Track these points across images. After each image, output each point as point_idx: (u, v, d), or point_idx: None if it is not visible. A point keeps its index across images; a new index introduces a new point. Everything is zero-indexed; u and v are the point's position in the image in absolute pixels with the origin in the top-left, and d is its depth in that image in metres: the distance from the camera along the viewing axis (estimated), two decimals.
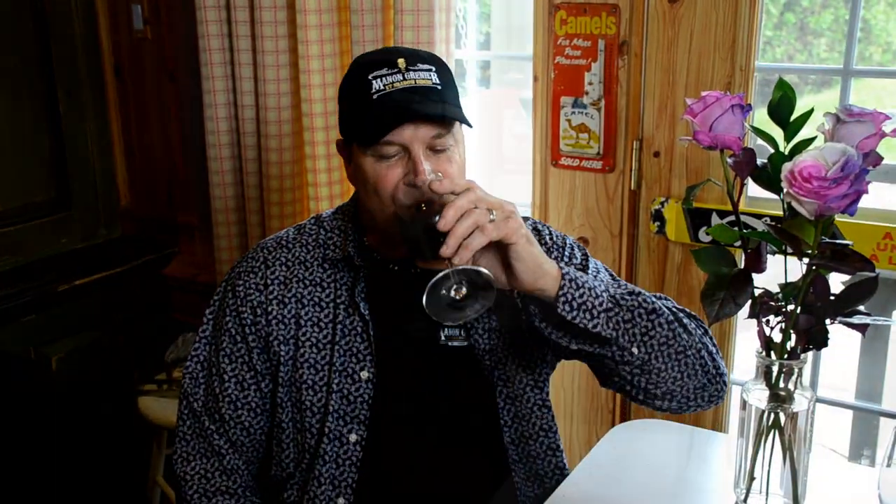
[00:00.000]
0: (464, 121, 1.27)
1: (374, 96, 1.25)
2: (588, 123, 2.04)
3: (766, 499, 1.24)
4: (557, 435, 1.46)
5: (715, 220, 1.92)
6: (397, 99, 1.24)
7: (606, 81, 2.00)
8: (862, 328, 1.17)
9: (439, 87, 1.26)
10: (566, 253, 1.44)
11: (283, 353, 1.36)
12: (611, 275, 1.46)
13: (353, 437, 1.35)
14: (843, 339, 1.26)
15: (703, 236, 1.95)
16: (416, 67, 1.27)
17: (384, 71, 1.25)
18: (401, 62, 1.26)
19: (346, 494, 1.35)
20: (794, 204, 1.06)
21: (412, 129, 1.21)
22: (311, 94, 2.15)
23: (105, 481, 2.42)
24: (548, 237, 1.45)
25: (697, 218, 1.95)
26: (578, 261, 1.44)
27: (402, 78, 1.25)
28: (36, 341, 2.29)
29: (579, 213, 2.11)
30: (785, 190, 1.07)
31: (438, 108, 1.23)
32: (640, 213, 2.04)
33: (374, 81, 1.25)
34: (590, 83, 2.02)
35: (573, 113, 2.05)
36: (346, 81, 1.33)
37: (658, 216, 2.00)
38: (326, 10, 2.12)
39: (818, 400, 1.50)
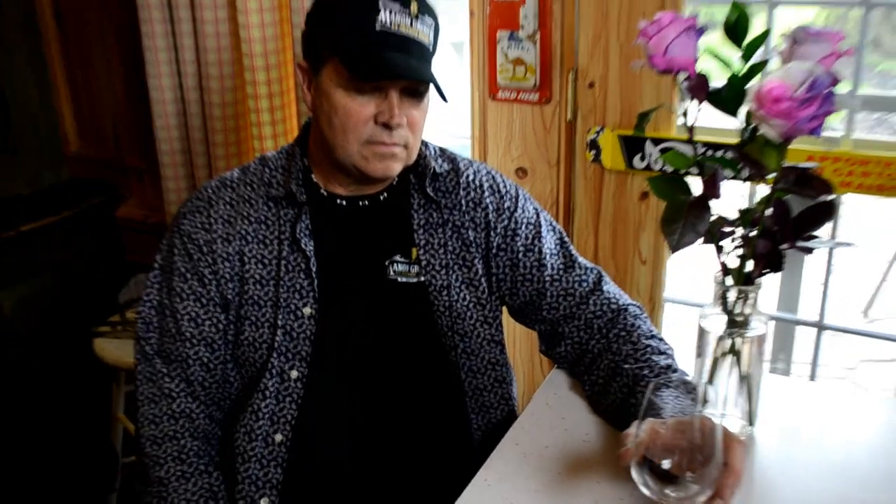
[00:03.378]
0: (443, 96, 1.14)
1: (378, 28, 1.09)
2: (524, 57, 1.85)
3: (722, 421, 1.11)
4: (506, 368, 1.32)
5: (649, 147, 1.76)
6: (399, 47, 1.10)
7: (541, 15, 1.80)
8: (809, 250, 1.03)
9: (431, 50, 1.16)
10: (519, 205, 1.29)
11: (229, 290, 1.18)
12: (560, 239, 1.32)
13: (294, 374, 1.19)
14: None
15: (637, 163, 1.79)
16: (423, 19, 1.12)
17: (396, 6, 1.09)
18: (413, 7, 1.11)
19: (285, 430, 1.19)
20: (761, 126, 0.90)
21: (401, 80, 1.11)
22: (251, 33, 1.91)
23: (67, 421, 2.22)
24: (502, 187, 1.31)
25: (631, 146, 1.79)
26: (529, 214, 1.29)
27: (409, 24, 1.10)
28: None
29: (517, 144, 1.93)
30: (753, 111, 0.91)
31: (429, 73, 1.13)
32: (576, 143, 1.88)
33: (383, 11, 1.09)
34: (524, 17, 1.82)
35: (509, 47, 1.85)
36: None
37: (593, 145, 1.83)
38: None
39: None
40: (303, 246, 1.19)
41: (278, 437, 1.20)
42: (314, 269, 1.19)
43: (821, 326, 1.83)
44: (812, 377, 1.92)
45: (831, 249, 1.70)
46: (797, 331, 2.03)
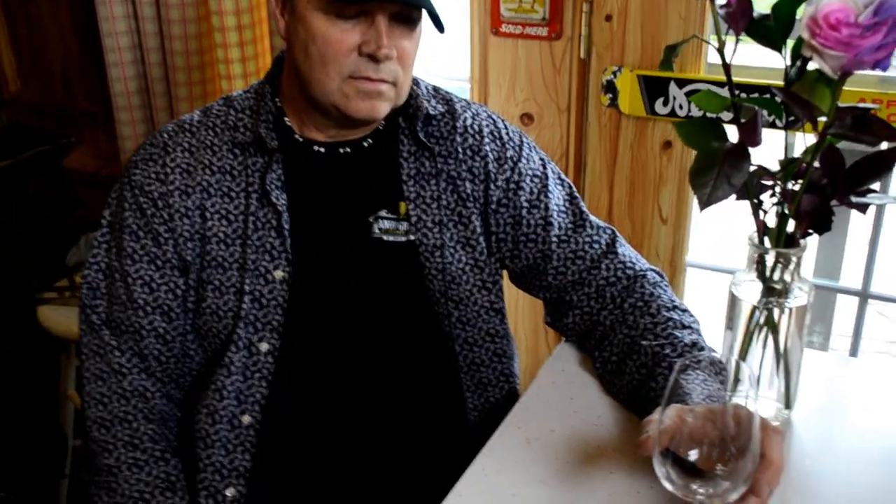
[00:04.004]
0: (439, 24, 1.10)
1: None
2: None
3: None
4: (507, 341, 1.29)
5: (673, 89, 1.71)
6: None
7: None
8: (864, 207, 0.99)
9: None
10: (523, 154, 1.24)
11: (188, 251, 1.13)
12: (570, 194, 1.28)
13: (264, 347, 1.15)
14: None
15: (660, 108, 1.74)
16: None
17: None
18: None
19: (253, 411, 1.15)
20: (814, 58, 0.85)
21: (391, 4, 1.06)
22: None
23: (9, 399, 2.18)
24: (505, 133, 1.26)
25: (653, 88, 1.74)
26: (535, 165, 1.25)
27: None
28: None
29: (523, 86, 1.88)
30: (805, 41, 0.85)
31: None
32: (590, 85, 1.83)
33: None
34: None
35: None
36: None
37: (610, 87, 1.79)
38: None
39: None
40: (273, 199, 1.15)
41: (246, 419, 1.16)
42: (287, 226, 1.15)
43: (865, 295, 1.79)
44: (853, 352, 1.89)
45: (881, 208, 1.66)
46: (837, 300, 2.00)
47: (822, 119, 0.93)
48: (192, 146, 1.16)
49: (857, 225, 1.99)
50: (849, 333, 1.87)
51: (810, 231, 1.02)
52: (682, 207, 1.81)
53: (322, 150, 1.18)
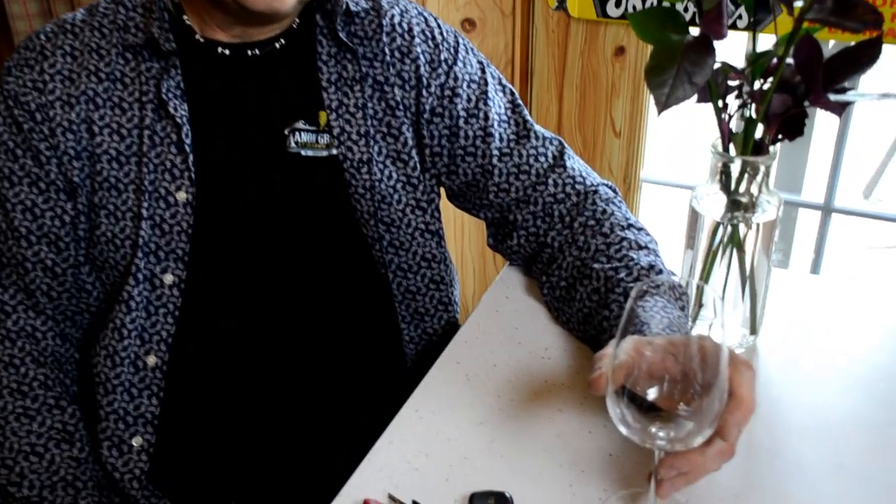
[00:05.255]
0: None
1: None
2: None
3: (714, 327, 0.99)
4: (445, 266, 1.18)
5: None
6: None
7: None
8: (840, 109, 0.88)
9: None
10: (459, 57, 1.11)
11: (75, 171, 1.00)
12: (512, 102, 1.16)
13: (168, 279, 1.03)
14: None
15: (612, 10, 1.61)
16: None
17: None
18: None
19: (159, 351, 1.04)
20: None
21: None
22: None
23: None
24: (438, 33, 1.13)
25: None
26: (473, 69, 1.12)
27: None
28: None
29: None
30: None
31: None
32: None
33: None
34: None
35: None
36: None
37: None
38: None
39: None
40: (172, 111, 1.01)
41: (151, 360, 1.04)
42: (188, 141, 1.01)
43: (828, 210, 1.71)
44: (815, 269, 1.82)
45: (848, 113, 1.57)
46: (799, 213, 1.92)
47: (799, 5, 0.82)
48: (75, 50, 1.01)
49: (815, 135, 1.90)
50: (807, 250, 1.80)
51: (780, 136, 0.91)
52: (637, 119, 1.70)
53: (227, 52, 1.04)
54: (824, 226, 1.75)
